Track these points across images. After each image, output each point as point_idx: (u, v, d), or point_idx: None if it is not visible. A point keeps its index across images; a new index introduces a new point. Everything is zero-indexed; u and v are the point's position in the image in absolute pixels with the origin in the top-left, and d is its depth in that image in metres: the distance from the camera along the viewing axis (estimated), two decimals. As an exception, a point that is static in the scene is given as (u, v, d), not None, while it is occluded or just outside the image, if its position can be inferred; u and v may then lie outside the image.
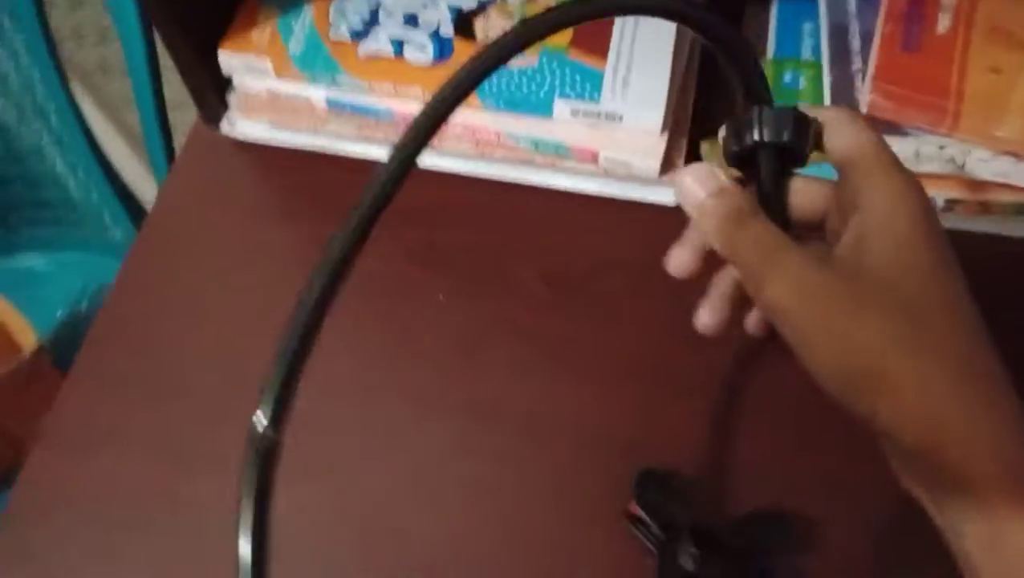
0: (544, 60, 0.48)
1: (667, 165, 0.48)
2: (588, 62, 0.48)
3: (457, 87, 0.25)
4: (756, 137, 0.27)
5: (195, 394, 0.45)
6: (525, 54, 0.48)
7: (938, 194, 0.47)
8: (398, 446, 0.43)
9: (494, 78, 0.47)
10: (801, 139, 0.27)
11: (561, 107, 0.47)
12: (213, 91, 0.51)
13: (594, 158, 0.47)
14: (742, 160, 0.29)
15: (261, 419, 0.23)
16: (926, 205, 0.26)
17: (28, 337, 0.85)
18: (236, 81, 0.51)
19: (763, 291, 0.26)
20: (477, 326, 0.46)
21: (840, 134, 0.28)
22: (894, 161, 0.27)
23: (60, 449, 0.44)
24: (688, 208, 0.29)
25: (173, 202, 0.53)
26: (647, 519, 0.37)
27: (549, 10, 0.26)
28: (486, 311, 0.47)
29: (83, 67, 1.04)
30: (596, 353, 0.45)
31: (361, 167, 0.50)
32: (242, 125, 0.52)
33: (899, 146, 0.45)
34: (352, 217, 0.25)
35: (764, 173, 0.28)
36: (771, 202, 0.28)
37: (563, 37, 0.49)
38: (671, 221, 0.50)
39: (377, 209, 0.25)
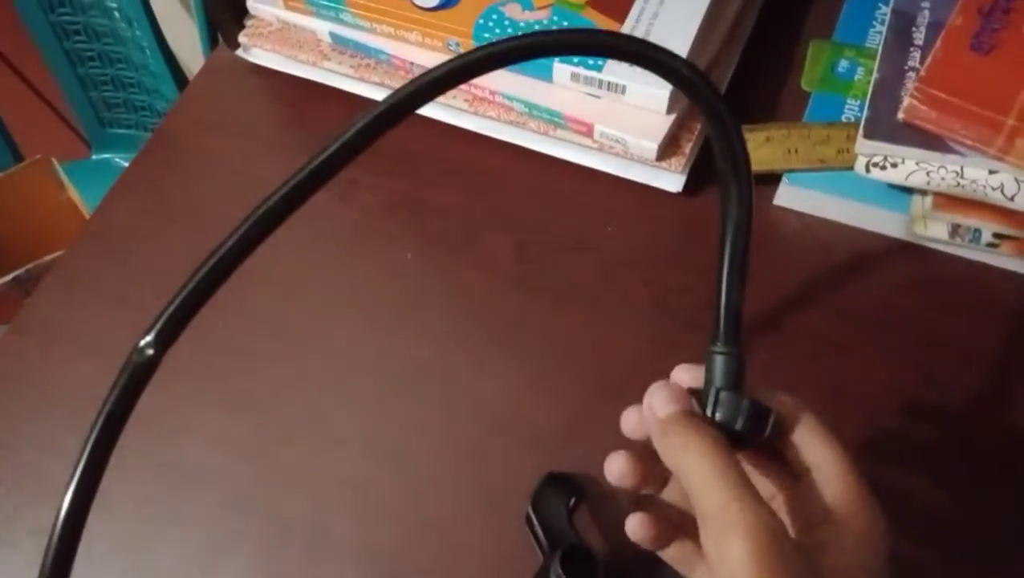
0: (555, 15, 0.44)
1: (672, 149, 0.43)
2: (602, 23, 0.43)
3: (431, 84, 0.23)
4: (709, 414, 0.26)
5: (154, 307, 0.46)
6: (536, 6, 0.45)
7: (983, 226, 0.40)
8: (318, 393, 0.42)
9: (499, 30, 0.44)
10: (755, 429, 0.25)
11: (561, 70, 0.43)
12: (231, 15, 0.51)
13: (589, 131, 0.43)
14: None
15: (147, 337, 0.23)
16: (885, 552, 0.24)
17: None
18: (250, 7, 0.50)
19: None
20: (434, 290, 0.45)
21: (808, 445, 0.26)
22: (862, 495, 0.24)
23: (29, 335, 0.46)
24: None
25: (183, 119, 0.53)
26: (538, 527, 0.34)
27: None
28: (448, 276, 0.45)
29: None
30: (546, 337, 0.42)
31: (359, 107, 0.49)
32: (254, 52, 0.52)
33: (939, 163, 0.39)
34: (291, 177, 0.23)
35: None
36: None
37: (584, -8, 0.45)
38: (664, 209, 0.46)
39: (312, 180, 0.24)
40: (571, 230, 0.45)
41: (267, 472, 0.41)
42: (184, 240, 0.48)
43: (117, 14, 0.88)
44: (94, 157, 1.06)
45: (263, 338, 0.44)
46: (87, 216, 0.92)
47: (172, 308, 0.24)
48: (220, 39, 0.54)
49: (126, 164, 1.04)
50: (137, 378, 0.24)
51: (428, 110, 0.48)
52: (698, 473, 0.23)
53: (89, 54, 0.94)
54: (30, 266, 0.84)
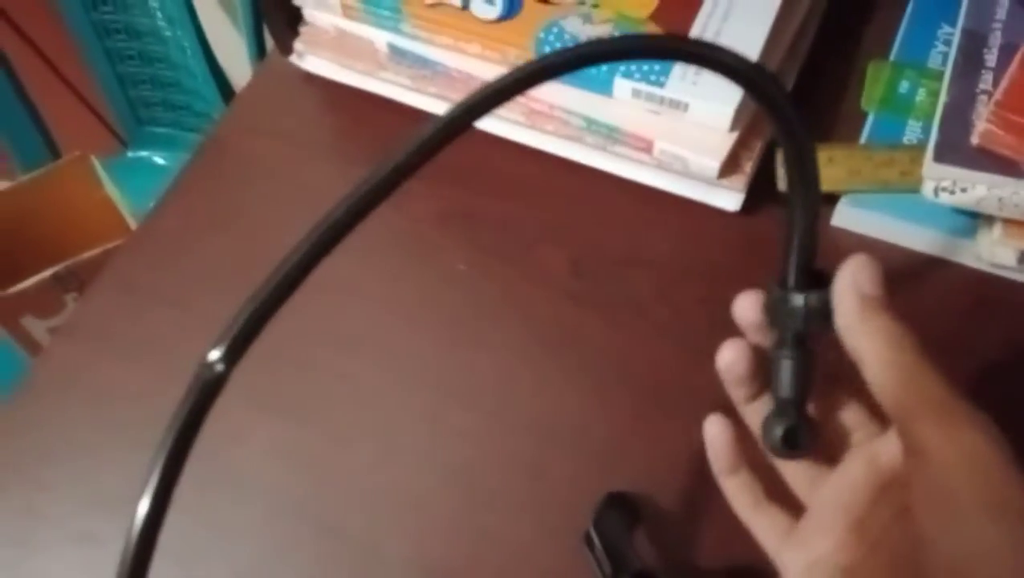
0: (617, 29, 0.44)
1: (731, 167, 0.43)
2: (664, 39, 0.43)
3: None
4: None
5: (210, 317, 0.46)
6: (596, 20, 0.44)
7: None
8: (370, 406, 0.42)
9: (560, 44, 0.44)
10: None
11: (622, 86, 0.43)
12: (285, 21, 0.51)
13: (648, 148, 0.43)
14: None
15: (215, 352, 0.23)
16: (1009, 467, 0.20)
17: (131, 226, 0.91)
18: (306, 14, 0.50)
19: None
20: (488, 303, 0.44)
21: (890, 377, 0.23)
22: (969, 413, 0.22)
23: (78, 340, 0.46)
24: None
25: (235, 125, 0.53)
26: (600, 549, 0.34)
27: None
28: (502, 290, 0.45)
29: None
30: (601, 353, 0.42)
31: (414, 118, 0.49)
32: (309, 59, 0.52)
33: (1013, 188, 0.38)
34: (359, 187, 0.23)
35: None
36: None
37: (645, 5, 0.44)
38: (721, 227, 0.46)
39: (380, 191, 0.24)
40: (626, 246, 0.45)
41: (320, 483, 0.40)
42: (235, 246, 0.48)
43: (159, 13, 0.89)
44: (130, 155, 1.07)
45: (316, 347, 0.44)
46: (124, 213, 0.93)
47: (241, 322, 0.24)
48: (271, 45, 0.54)
49: (163, 162, 1.05)
50: (207, 394, 0.24)
51: (484, 123, 0.47)
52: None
53: (129, 53, 0.94)
54: (68, 263, 0.84)
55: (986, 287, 0.42)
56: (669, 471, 0.38)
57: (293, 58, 0.53)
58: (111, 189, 0.96)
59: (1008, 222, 0.40)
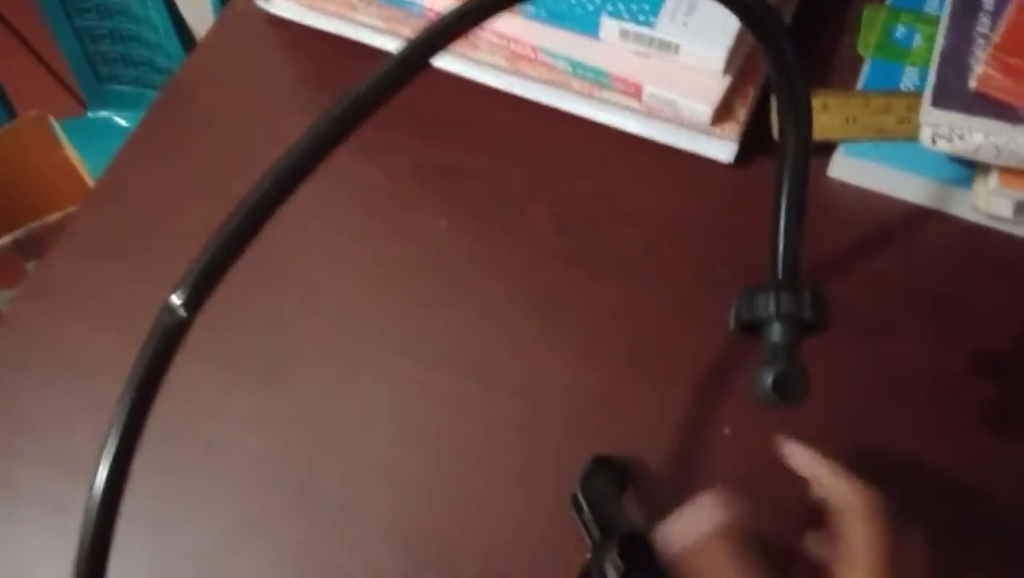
0: (602, -31, 0.41)
1: (724, 114, 0.41)
2: (652, -22, 0.41)
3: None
4: (771, 310, 0.25)
5: (173, 268, 0.43)
6: (582, -41, 0.42)
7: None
8: (346, 370, 0.40)
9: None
10: (820, 314, 0.25)
11: (609, 26, 0.40)
12: (251, -40, 0.48)
13: (637, 92, 0.41)
14: (750, 328, 0.27)
15: (176, 297, 0.21)
16: None
17: (91, 184, 0.87)
18: (273, -48, 0.47)
19: None
20: (469, 261, 0.42)
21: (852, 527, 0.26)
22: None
23: (44, 302, 0.43)
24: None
25: (196, 74, 0.50)
26: (587, 512, 0.32)
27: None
28: (484, 246, 0.43)
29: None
30: (586, 312, 0.40)
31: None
32: (276, 2, 0.49)
33: (1011, 135, 0.36)
34: (319, 123, 0.21)
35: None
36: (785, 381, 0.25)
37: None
38: (713, 180, 0.44)
39: (341, 126, 0.22)
40: (613, 200, 0.43)
41: (298, 450, 0.39)
42: (200, 200, 0.46)
43: (117, -37, 0.84)
44: (91, 115, 1.02)
45: (292, 310, 0.42)
46: (86, 177, 0.89)
47: (202, 265, 0.22)
48: None
49: (125, 123, 1.01)
50: (169, 341, 0.22)
51: (463, 68, 0.45)
52: None
53: (86, 5, 0.89)
54: (29, 228, 0.81)
55: (980, 241, 0.40)
56: (656, 433, 0.37)
57: (259, 1, 0.49)
58: (71, 151, 0.91)
59: (1005, 172, 0.38)
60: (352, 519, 0.37)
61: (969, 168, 0.40)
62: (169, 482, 0.38)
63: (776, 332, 0.24)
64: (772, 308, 0.24)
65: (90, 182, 0.89)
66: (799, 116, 0.25)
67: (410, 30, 0.45)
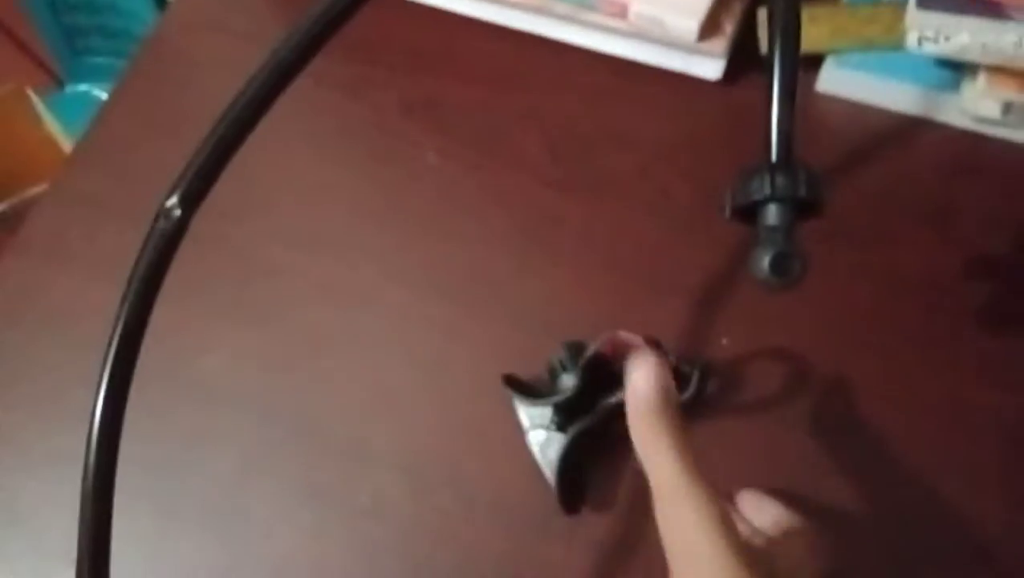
0: None
1: (711, 29, 0.41)
2: None
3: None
4: (767, 192, 0.24)
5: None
6: None
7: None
8: (346, 304, 0.40)
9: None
10: (816, 193, 0.24)
11: (592, -54, 0.40)
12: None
13: (623, 12, 0.41)
14: (745, 213, 0.26)
15: (172, 198, 0.21)
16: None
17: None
18: None
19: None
20: (461, 194, 0.42)
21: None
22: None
23: (32, 257, 0.43)
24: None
25: (177, 22, 0.50)
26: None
27: None
28: (477, 178, 0.42)
29: None
30: (585, 236, 0.40)
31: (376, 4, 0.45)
32: (251, -56, 0.48)
33: (997, 33, 0.36)
34: (305, 20, 0.21)
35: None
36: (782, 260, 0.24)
37: None
38: (702, 99, 0.44)
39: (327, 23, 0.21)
40: (605, 125, 0.43)
41: (298, 385, 0.39)
42: (186, 148, 0.45)
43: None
44: (68, 90, 1.00)
45: (282, 247, 0.42)
46: (66, 151, 0.87)
47: (197, 163, 0.22)
48: None
49: (104, 95, 0.99)
50: (167, 242, 0.22)
51: (444, 1, 0.44)
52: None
53: (57, -27, 0.88)
54: (11, 201, 0.80)
55: (970, 147, 0.41)
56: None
57: (233, -54, 0.49)
58: (51, 125, 0.90)
59: (992, 72, 0.38)
60: (356, 450, 0.37)
61: (956, 72, 0.40)
62: (166, 425, 0.38)
63: (772, 213, 0.24)
64: (767, 189, 0.24)
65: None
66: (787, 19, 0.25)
67: (390, -37, 0.44)
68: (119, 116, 0.47)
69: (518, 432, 0.36)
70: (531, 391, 0.35)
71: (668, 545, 0.24)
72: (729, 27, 0.41)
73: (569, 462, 0.34)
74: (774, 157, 0.24)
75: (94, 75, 0.98)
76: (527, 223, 0.41)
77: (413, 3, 0.45)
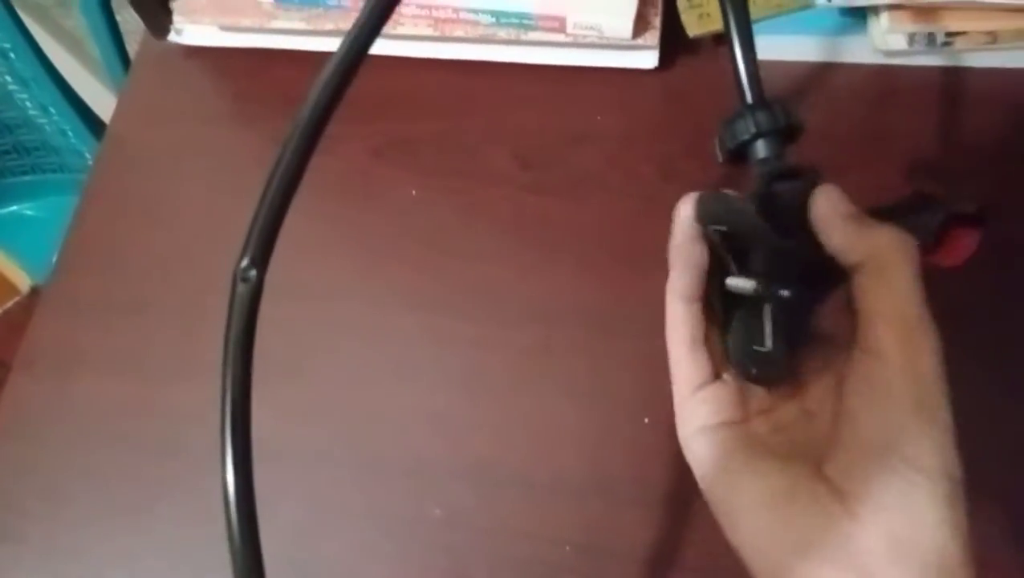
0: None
1: (641, 25, 0.45)
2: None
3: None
4: (753, 129, 0.26)
5: (164, 307, 0.44)
6: (476, -84, 0.45)
7: (935, 29, 0.43)
8: (372, 340, 0.42)
9: (444, -54, 0.43)
10: (794, 119, 0.26)
11: (520, -29, 0.43)
12: (155, 0, 0.49)
13: (561, 25, 0.44)
14: (737, 156, 0.27)
15: (244, 260, 0.22)
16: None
17: (23, 281, 0.85)
18: (175, -18, 0.48)
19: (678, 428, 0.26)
20: (451, 218, 0.45)
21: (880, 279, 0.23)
22: (928, 336, 0.22)
23: (39, 372, 0.43)
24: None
25: (130, 119, 0.50)
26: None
27: None
28: (460, 201, 0.45)
29: (38, 2, 1.00)
30: (571, 230, 0.43)
31: (314, 61, 0.48)
32: (189, 31, 0.49)
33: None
34: (330, 62, 0.23)
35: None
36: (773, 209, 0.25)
37: None
38: (645, 85, 0.48)
39: (349, 64, 0.23)
40: (564, 128, 0.46)
41: (347, 422, 0.40)
42: (168, 233, 0.46)
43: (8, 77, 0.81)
44: (-7, 215, 0.98)
45: (293, 300, 0.43)
46: (12, 273, 0.86)
47: (259, 224, 0.23)
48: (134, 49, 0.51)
49: (32, 212, 0.97)
50: (251, 304, 0.23)
51: (392, 47, 0.47)
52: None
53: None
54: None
55: (886, 76, 0.46)
56: (657, 317, 0.40)
57: (172, 36, 0.50)
58: (-13, 252, 0.88)
59: (893, 10, 0.44)
60: (417, 470, 0.39)
61: (862, 17, 0.45)
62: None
63: (762, 148, 0.26)
64: (752, 128, 0.26)
65: (17, 277, 0.86)
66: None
67: (332, 24, 0.47)
68: (95, 216, 0.48)
69: (563, 419, 0.38)
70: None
71: (876, 315, 0.22)
72: (656, 19, 0.45)
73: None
74: (749, 98, 0.27)
75: (20, 195, 0.96)
76: (515, 229, 0.44)
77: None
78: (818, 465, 0.23)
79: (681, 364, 0.27)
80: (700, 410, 0.26)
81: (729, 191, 0.28)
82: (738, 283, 0.26)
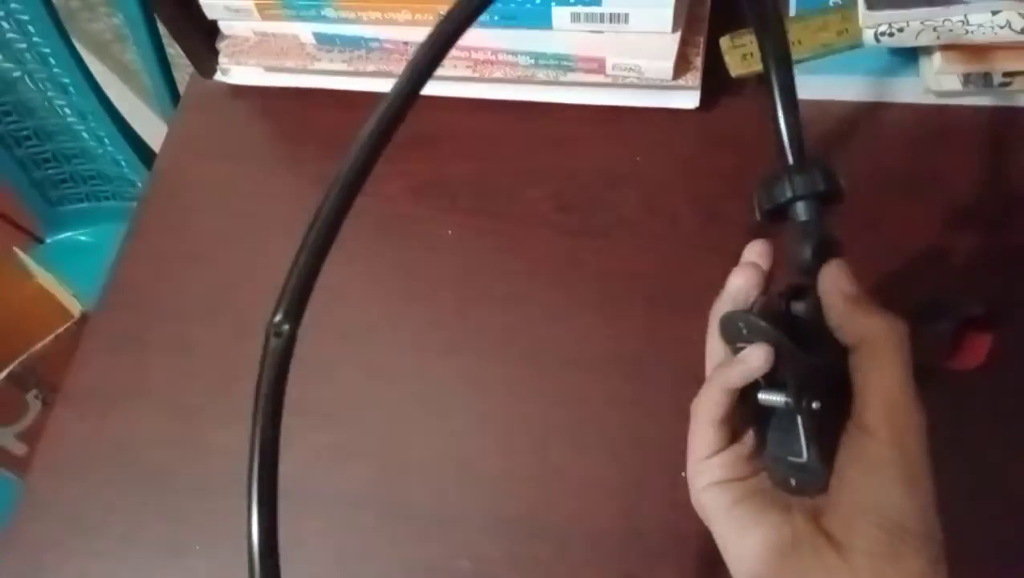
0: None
1: (683, 66, 0.44)
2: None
3: (464, 8, 0.23)
4: (789, 193, 0.26)
5: (205, 346, 0.45)
6: (516, -40, 0.45)
7: (992, 69, 0.42)
8: (406, 384, 0.42)
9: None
10: (834, 184, 0.26)
11: (560, 14, 0.43)
12: (202, 40, 0.50)
13: (601, 67, 0.44)
14: (774, 216, 0.27)
15: (278, 315, 0.22)
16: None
17: (75, 307, 0.87)
18: (223, 26, 0.49)
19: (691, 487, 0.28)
20: (486, 259, 0.44)
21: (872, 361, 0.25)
22: (915, 418, 0.24)
23: (80, 408, 0.44)
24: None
25: (175, 158, 0.52)
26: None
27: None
28: (495, 242, 0.45)
29: (97, 38, 1.03)
30: (606, 274, 0.43)
31: (356, 102, 0.48)
32: (235, 72, 0.51)
33: (944, 16, 0.40)
34: (366, 126, 0.23)
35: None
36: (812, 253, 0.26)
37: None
38: (686, 128, 0.47)
39: (392, 114, 0.24)
40: (602, 169, 0.46)
41: (377, 467, 0.40)
42: (211, 272, 0.47)
43: (48, 84, 0.85)
44: (49, 241, 1.01)
45: (333, 341, 0.43)
46: (65, 299, 0.88)
47: (293, 280, 0.23)
48: (184, 86, 0.53)
49: (86, 239, 1.01)
50: (283, 357, 0.23)
51: (431, 87, 0.47)
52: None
53: (24, 132, 0.90)
54: (21, 359, 0.80)
55: (937, 117, 0.44)
56: (694, 360, 0.39)
57: (217, 76, 0.51)
58: (43, 277, 0.91)
59: (946, 50, 0.42)
60: (447, 519, 0.38)
61: (912, 56, 0.44)
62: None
63: (800, 210, 0.26)
64: (789, 191, 0.26)
65: (69, 303, 0.88)
66: (767, 17, 0.27)
67: (374, 66, 0.47)
68: (139, 254, 0.49)
69: (598, 468, 0.38)
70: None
71: (867, 396, 0.24)
72: (697, 60, 0.44)
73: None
74: (790, 160, 0.26)
75: (74, 223, 0.99)
76: (549, 270, 0.44)
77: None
78: (815, 517, 0.25)
79: (702, 436, 0.28)
80: (714, 470, 0.27)
81: (750, 313, 0.27)
82: (769, 397, 0.26)
